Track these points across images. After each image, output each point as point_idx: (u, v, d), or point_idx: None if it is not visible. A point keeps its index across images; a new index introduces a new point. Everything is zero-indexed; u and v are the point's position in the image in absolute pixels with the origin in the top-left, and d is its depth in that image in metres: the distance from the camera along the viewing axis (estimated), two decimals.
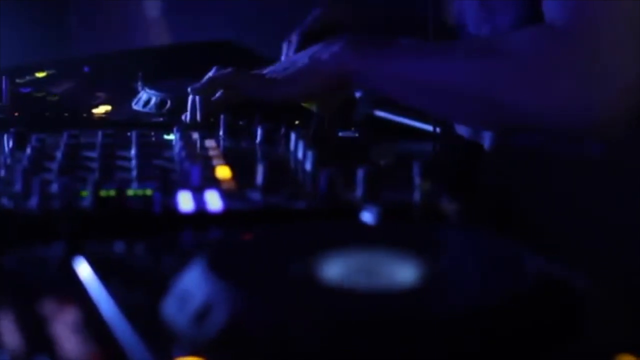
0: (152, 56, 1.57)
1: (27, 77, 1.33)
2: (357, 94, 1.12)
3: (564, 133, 0.94)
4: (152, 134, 0.95)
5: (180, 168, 0.82)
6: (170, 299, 0.52)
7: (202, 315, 0.49)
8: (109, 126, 0.98)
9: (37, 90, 1.25)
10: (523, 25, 0.96)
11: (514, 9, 0.99)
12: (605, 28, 0.89)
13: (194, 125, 1.03)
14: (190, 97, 1.06)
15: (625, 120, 0.90)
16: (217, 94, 1.05)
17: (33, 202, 0.70)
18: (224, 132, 0.97)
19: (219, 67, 1.07)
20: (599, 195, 0.95)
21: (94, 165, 0.82)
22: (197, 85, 1.05)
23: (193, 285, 0.52)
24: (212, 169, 0.82)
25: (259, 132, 0.94)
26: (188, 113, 1.06)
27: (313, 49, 1.03)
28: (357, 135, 1.00)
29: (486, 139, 1.05)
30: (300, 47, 1.16)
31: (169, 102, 1.13)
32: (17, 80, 1.29)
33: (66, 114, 1.14)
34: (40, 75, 1.35)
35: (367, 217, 0.69)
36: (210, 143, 0.92)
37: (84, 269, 0.60)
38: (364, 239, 0.59)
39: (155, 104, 1.14)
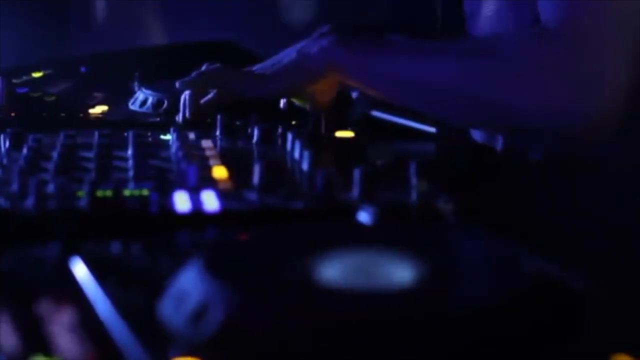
0: (149, 56, 1.58)
1: (24, 77, 1.33)
2: (354, 94, 1.12)
3: (557, 134, 0.94)
4: (149, 134, 0.95)
5: (177, 168, 0.82)
6: (166, 299, 0.52)
7: (198, 315, 0.49)
8: (105, 126, 0.98)
9: (33, 90, 1.25)
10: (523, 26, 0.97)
11: (529, 7, 0.99)
12: (598, 29, 0.89)
13: (187, 124, 1.03)
14: (182, 97, 1.06)
15: (617, 121, 0.90)
16: (210, 95, 1.05)
17: (29, 202, 0.70)
18: (221, 132, 0.97)
19: (209, 64, 1.07)
20: (597, 195, 0.95)
21: (91, 165, 0.82)
22: (186, 79, 1.05)
23: (189, 285, 0.52)
24: (208, 169, 0.82)
25: (256, 132, 0.94)
26: (180, 113, 1.06)
27: (301, 44, 1.03)
28: (353, 135, 1.00)
29: (499, 141, 1.05)
30: None
31: (165, 103, 1.13)
32: (14, 80, 1.29)
33: (63, 114, 1.14)
34: (37, 75, 1.35)
35: (364, 217, 0.69)
36: (206, 143, 0.92)
37: (80, 269, 0.60)
38: (361, 239, 0.59)
39: (152, 104, 1.14)
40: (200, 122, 1.01)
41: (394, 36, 1.02)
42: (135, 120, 1.09)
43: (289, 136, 0.89)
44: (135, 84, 1.21)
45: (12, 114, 1.13)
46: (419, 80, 0.96)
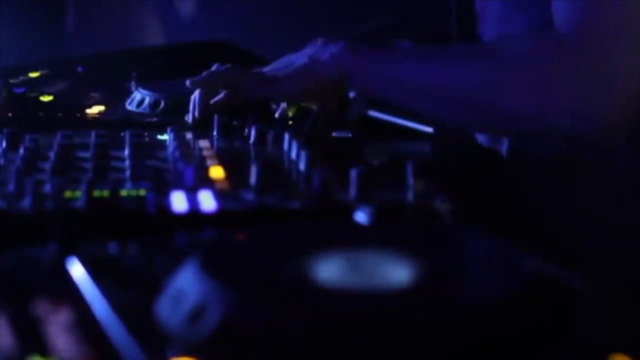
0: (146, 56, 1.57)
1: (21, 78, 1.33)
2: (351, 94, 1.12)
3: (567, 138, 0.94)
4: (146, 134, 0.95)
5: (174, 168, 0.82)
6: (163, 299, 0.52)
7: (195, 315, 0.49)
8: (102, 126, 0.98)
9: (30, 91, 1.25)
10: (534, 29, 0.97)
11: (538, 9, 0.98)
12: (608, 35, 0.89)
13: (196, 124, 1.03)
14: (192, 96, 1.06)
15: (628, 125, 0.90)
16: (220, 95, 1.05)
17: (26, 202, 0.70)
18: (218, 132, 0.97)
19: (220, 64, 1.08)
20: (596, 196, 0.95)
21: (88, 165, 0.82)
22: (196, 78, 1.06)
23: (187, 285, 0.52)
24: (205, 169, 0.82)
25: (253, 132, 0.94)
26: (190, 112, 1.06)
27: (313, 49, 1.03)
28: (350, 135, 1.00)
29: (504, 142, 1.05)
30: None
31: (162, 103, 1.13)
32: (11, 81, 1.29)
33: (60, 114, 1.14)
34: (33, 75, 1.35)
35: (361, 217, 0.69)
36: (203, 143, 0.92)
37: (77, 270, 0.60)
38: (358, 239, 0.59)
39: (149, 104, 1.14)
40: (209, 121, 1.01)
41: (403, 43, 1.02)
42: (132, 121, 1.09)
43: (286, 136, 0.89)
44: (132, 84, 1.21)
45: (9, 114, 1.13)
46: (428, 85, 0.97)
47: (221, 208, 0.71)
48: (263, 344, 0.47)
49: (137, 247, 0.65)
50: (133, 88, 1.19)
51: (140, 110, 1.14)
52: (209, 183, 0.77)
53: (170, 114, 1.10)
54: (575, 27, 0.91)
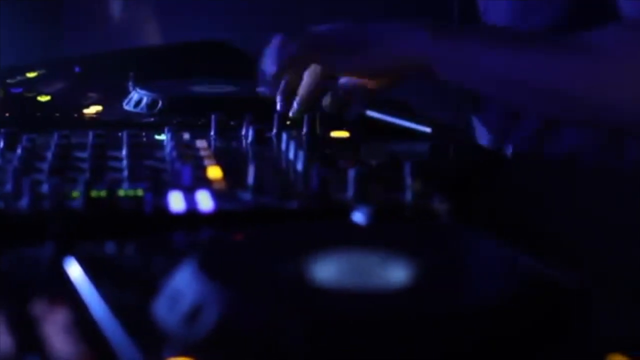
0: (144, 56, 1.58)
1: (18, 78, 1.33)
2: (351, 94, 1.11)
3: None
4: (143, 134, 0.95)
5: (171, 168, 0.82)
6: (161, 299, 0.52)
7: (193, 315, 0.49)
8: (100, 126, 0.98)
9: (28, 91, 1.25)
10: (596, 23, 0.95)
11: (550, 10, 0.98)
12: None
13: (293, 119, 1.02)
14: (281, 89, 1.04)
15: None
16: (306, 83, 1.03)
17: (24, 202, 0.70)
18: (215, 132, 0.97)
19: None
20: (594, 196, 0.95)
21: (85, 165, 0.82)
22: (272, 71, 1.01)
23: (184, 285, 0.52)
24: (203, 169, 0.82)
25: (250, 132, 0.94)
26: (281, 104, 1.04)
27: (388, 28, 1.00)
28: (348, 135, 1.00)
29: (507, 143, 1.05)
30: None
31: (160, 103, 1.13)
32: (8, 81, 1.29)
33: (57, 114, 1.14)
34: (31, 75, 1.35)
35: (359, 217, 0.69)
36: (201, 143, 0.92)
37: (74, 270, 0.60)
38: (356, 239, 0.59)
39: (147, 104, 1.14)
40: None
41: (478, 25, 0.99)
42: (130, 121, 1.09)
43: (284, 136, 0.89)
44: (130, 84, 1.21)
45: (7, 114, 1.13)
46: (516, 78, 0.95)
47: (218, 208, 0.71)
48: (260, 344, 0.47)
49: (135, 247, 0.65)
50: (131, 88, 1.19)
51: (137, 110, 1.14)
52: (206, 183, 0.77)
53: (167, 114, 1.10)
54: None
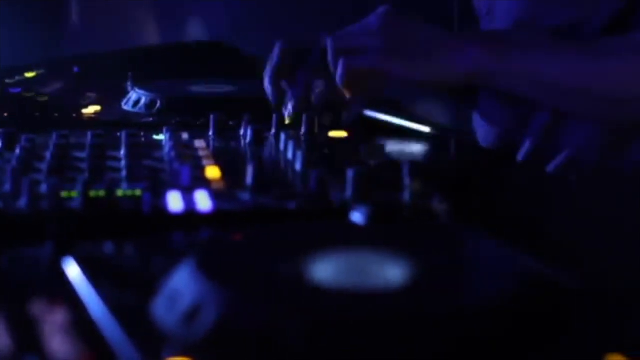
0: (142, 56, 1.57)
1: (17, 78, 1.33)
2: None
3: None
4: (142, 134, 0.94)
5: (170, 168, 0.82)
6: (159, 299, 0.52)
7: (191, 315, 0.49)
8: (98, 126, 0.98)
9: (26, 91, 1.25)
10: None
11: (563, 11, 0.98)
12: None
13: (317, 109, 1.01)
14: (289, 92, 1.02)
15: None
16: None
17: (22, 202, 0.70)
18: (214, 132, 0.97)
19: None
20: (594, 196, 0.95)
21: (84, 165, 0.82)
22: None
23: (182, 285, 0.52)
24: (201, 169, 0.82)
25: (249, 132, 0.94)
26: (292, 103, 1.03)
27: (442, 38, 0.98)
28: (347, 135, 0.99)
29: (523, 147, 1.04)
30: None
31: (158, 103, 1.13)
32: (7, 81, 1.29)
33: (56, 114, 1.14)
34: (29, 75, 1.35)
35: (357, 217, 0.69)
36: (199, 143, 0.92)
37: (73, 270, 0.60)
38: (354, 239, 0.59)
39: (145, 104, 1.14)
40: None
41: (519, 34, 0.99)
42: (128, 121, 1.09)
43: (282, 136, 0.89)
44: (128, 84, 1.21)
45: (5, 114, 1.13)
46: (576, 88, 0.95)
47: (217, 208, 0.71)
48: (258, 344, 0.47)
49: (133, 247, 0.65)
50: (129, 88, 1.19)
51: (136, 110, 1.14)
52: (205, 183, 0.77)
53: (166, 114, 1.10)
54: None
